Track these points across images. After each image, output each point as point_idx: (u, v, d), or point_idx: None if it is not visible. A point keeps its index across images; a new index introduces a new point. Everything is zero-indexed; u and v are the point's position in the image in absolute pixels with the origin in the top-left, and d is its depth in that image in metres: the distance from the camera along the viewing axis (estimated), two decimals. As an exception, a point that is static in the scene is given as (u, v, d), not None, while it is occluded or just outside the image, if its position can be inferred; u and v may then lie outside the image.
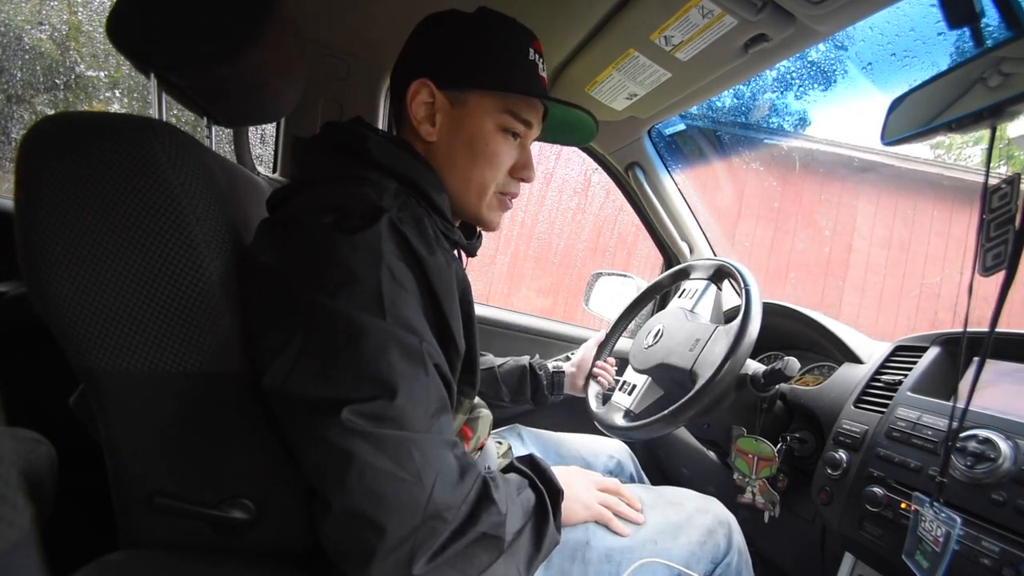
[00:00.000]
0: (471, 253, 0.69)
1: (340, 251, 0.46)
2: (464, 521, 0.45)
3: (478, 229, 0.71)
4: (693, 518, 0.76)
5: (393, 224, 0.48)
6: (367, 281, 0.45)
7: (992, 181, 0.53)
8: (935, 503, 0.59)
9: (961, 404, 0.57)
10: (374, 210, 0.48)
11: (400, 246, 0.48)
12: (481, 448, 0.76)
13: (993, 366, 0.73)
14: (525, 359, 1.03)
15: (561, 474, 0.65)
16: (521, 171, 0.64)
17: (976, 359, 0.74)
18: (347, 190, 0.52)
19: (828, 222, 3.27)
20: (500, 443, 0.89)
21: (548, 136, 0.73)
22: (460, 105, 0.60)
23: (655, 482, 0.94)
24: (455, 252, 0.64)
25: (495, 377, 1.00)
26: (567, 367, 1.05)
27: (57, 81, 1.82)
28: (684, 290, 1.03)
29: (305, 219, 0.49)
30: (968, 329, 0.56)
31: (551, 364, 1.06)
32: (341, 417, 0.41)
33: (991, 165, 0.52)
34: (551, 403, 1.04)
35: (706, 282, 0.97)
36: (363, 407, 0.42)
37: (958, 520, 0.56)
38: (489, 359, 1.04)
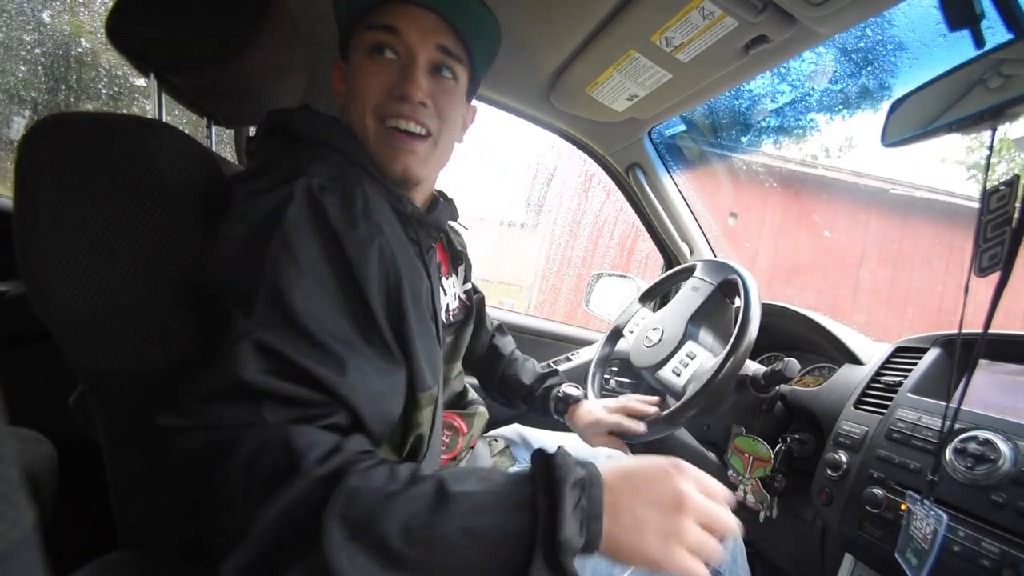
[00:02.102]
0: (438, 226, 0.61)
1: (242, 213, 0.45)
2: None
3: (439, 199, 0.66)
4: None
5: (309, 192, 0.45)
6: (255, 247, 0.42)
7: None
8: (925, 500, 0.60)
9: (954, 404, 0.57)
10: (291, 176, 0.46)
11: (313, 217, 0.44)
12: (472, 447, 0.76)
13: (993, 368, 0.73)
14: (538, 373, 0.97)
15: (618, 479, 0.42)
16: (399, 87, 0.54)
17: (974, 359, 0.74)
18: (280, 160, 0.51)
19: (941, 263, 3.59)
20: (496, 441, 0.89)
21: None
22: (349, 59, 0.58)
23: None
24: (417, 237, 0.57)
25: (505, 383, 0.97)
26: (585, 409, 0.87)
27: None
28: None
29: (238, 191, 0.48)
30: (963, 330, 0.56)
31: (563, 389, 0.92)
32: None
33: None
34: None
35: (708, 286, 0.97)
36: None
37: (945, 516, 0.57)
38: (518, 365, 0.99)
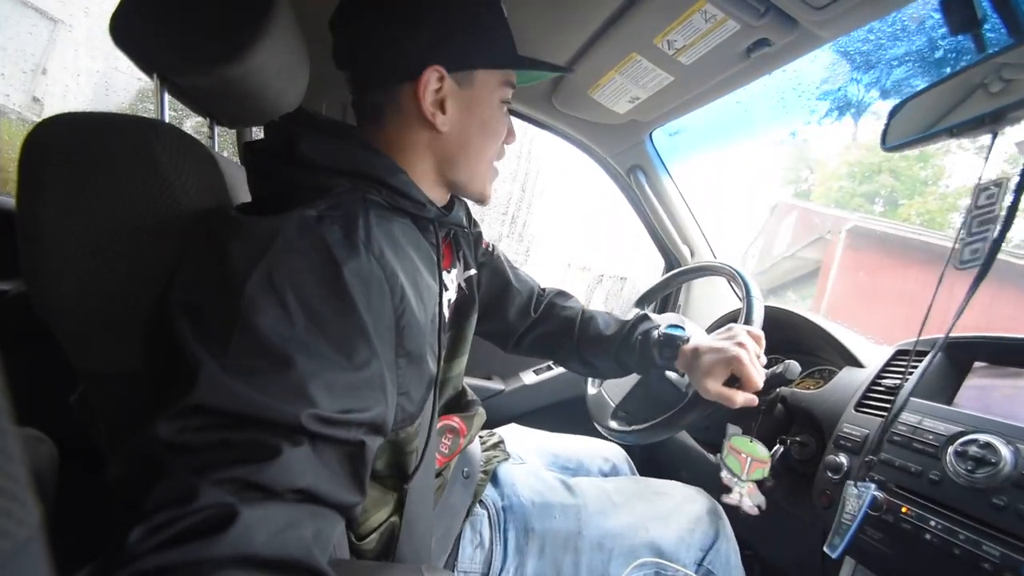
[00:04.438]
0: (460, 225, 0.64)
1: (225, 235, 0.41)
2: None
3: (455, 199, 0.66)
4: (681, 507, 0.77)
5: (305, 222, 0.42)
6: (235, 277, 0.38)
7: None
8: (858, 483, 0.63)
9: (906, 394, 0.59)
10: (288, 206, 0.43)
11: (305, 248, 0.41)
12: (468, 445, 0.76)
13: (993, 371, 0.73)
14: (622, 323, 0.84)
15: None
16: (510, 136, 0.63)
17: (977, 363, 0.74)
18: (284, 186, 0.49)
19: None
20: (492, 435, 0.89)
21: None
22: (468, 86, 0.55)
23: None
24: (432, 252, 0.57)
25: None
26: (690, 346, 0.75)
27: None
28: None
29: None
30: (952, 334, 0.57)
31: (663, 331, 0.79)
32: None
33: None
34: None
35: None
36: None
37: (872, 487, 0.60)
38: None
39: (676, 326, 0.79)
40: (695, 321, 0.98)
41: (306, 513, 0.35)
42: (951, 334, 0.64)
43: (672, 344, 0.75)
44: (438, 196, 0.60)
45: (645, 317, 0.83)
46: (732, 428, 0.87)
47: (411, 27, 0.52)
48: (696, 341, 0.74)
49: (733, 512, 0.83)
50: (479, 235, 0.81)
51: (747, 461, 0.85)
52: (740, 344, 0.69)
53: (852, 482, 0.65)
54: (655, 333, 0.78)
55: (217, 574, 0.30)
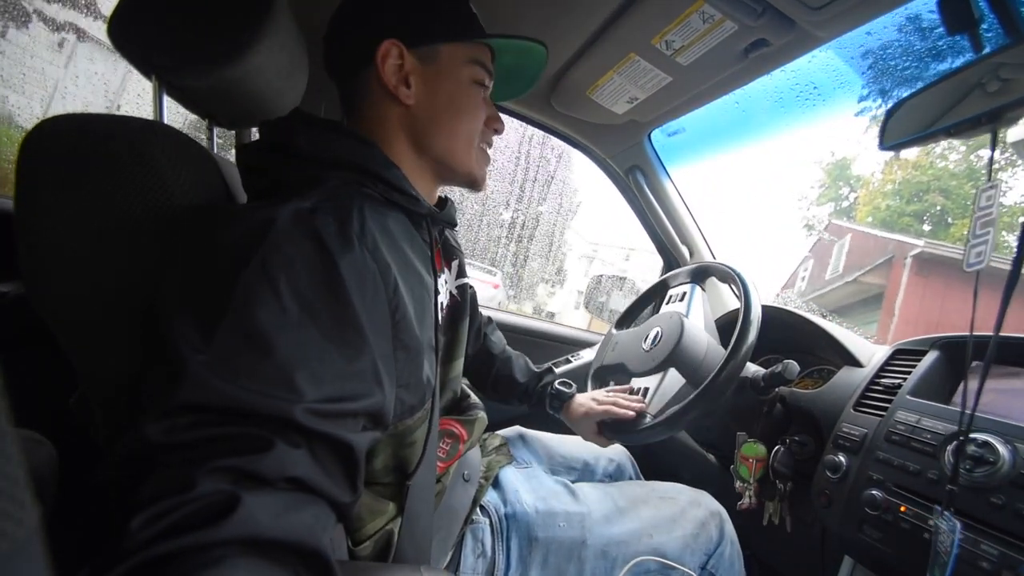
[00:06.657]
0: (451, 223, 0.66)
1: (216, 227, 0.42)
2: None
3: (447, 198, 0.68)
4: (686, 511, 0.77)
5: (299, 214, 0.42)
6: (229, 269, 0.38)
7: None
8: (945, 512, 0.59)
9: (968, 410, 0.57)
10: (283, 199, 0.43)
11: (300, 239, 0.40)
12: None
13: (991, 370, 0.73)
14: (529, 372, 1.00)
15: None
16: (495, 123, 0.64)
17: (975, 363, 0.74)
18: (279, 181, 0.50)
19: None
20: (495, 438, 0.89)
21: (498, 92, 0.70)
22: (431, 61, 0.57)
23: (654, 484, 0.94)
24: (425, 242, 0.58)
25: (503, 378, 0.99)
26: (576, 402, 0.91)
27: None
28: (671, 296, 1.04)
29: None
30: (973, 333, 0.56)
31: (556, 386, 0.96)
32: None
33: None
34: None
35: (691, 285, 0.98)
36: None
37: (958, 525, 0.56)
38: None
39: (567, 382, 0.96)
40: (694, 321, 0.98)
41: (302, 500, 0.36)
42: (957, 333, 0.64)
43: (560, 398, 0.93)
44: (429, 192, 0.62)
45: (549, 371, 1.01)
46: (741, 436, 0.88)
47: (367, 11, 0.56)
48: (578, 398, 0.91)
49: (734, 512, 0.83)
50: (463, 262, 0.80)
51: (754, 464, 0.85)
52: (599, 402, 0.86)
53: (940, 510, 0.60)
54: (550, 388, 0.95)
55: (225, 556, 0.30)
